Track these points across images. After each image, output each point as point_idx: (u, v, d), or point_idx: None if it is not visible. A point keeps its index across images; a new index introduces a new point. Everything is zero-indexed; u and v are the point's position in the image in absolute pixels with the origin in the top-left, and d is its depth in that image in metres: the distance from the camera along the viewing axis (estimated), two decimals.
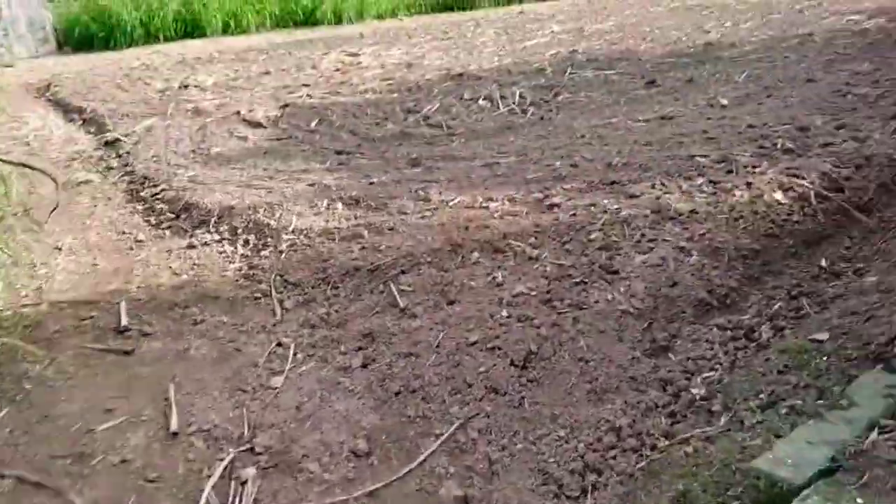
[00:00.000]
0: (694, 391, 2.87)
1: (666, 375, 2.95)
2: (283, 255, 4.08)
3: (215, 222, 4.64)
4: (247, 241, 4.37)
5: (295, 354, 3.22)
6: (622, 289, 3.30)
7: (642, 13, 12.29)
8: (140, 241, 4.62)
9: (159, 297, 3.85)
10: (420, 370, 2.95)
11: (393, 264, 3.71)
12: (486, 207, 4.26)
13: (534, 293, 3.30)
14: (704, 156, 4.91)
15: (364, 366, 3.08)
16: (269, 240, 4.30)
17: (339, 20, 13.72)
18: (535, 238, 3.76)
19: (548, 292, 3.31)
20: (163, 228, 4.77)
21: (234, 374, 3.13)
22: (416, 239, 3.91)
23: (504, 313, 3.17)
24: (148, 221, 4.93)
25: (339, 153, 5.82)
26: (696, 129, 5.67)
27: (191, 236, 4.58)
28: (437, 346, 3.05)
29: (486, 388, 2.81)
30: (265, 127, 6.69)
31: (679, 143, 5.35)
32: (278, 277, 3.89)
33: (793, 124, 5.53)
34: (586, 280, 3.37)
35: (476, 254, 3.71)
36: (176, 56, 10.28)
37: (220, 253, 4.31)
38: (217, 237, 4.51)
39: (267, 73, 8.92)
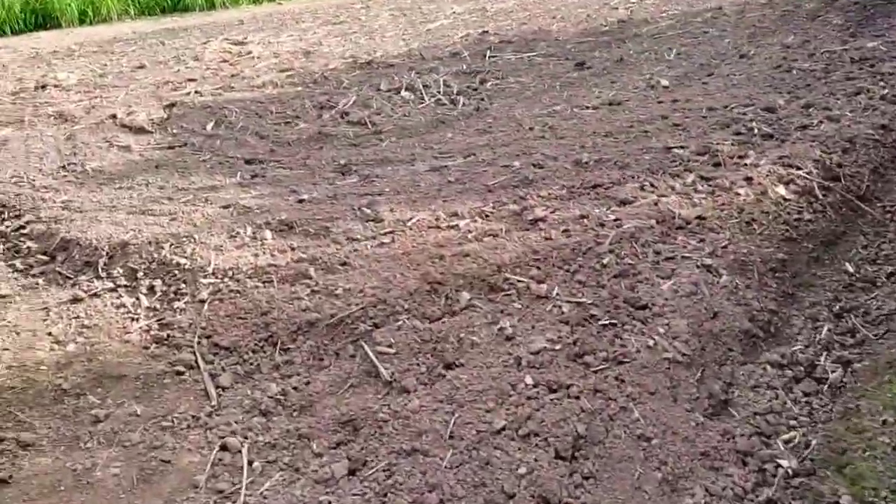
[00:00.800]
0: (784, 463, 2.27)
1: (741, 445, 2.32)
2: (206, 306, 3.14)
3: (105, 264, 3.61)
4: (152, 289, 3.39)
5: (250, 463, 2.33)
6: (661, 329, 2.63)
7: None
8: (3, 295, 3.52)
9: (38, 381, 2.83)
10: (435, 476, 2.14)
11: (360, 315, 2.86)
12: (456, 227, 3.48)
13: (558, 347, 2.56)
14: (681, 147, 4.34)
15: (352, 473, 2.24)
16: (182, 286, 3.34)
17: (211, 5, 12.42)
18: (537, 269, 3.02)
19: (574, 343, 2.58)
20: (33, 276, 3.67)
21: None
22: (382, 277, 3.07)
23: (528, 380, 2.42)
24: (12, 266, 3.80)
25: (249, 162, 4.84)
26: (653, 116, 5.11)
27: (74, 285, 3.53)
28: (451, 437, 2.25)
29: (532, 496, 2.06)
30: (150, 132, 5.56)
31: (643, 132, 4.77)
32: (204, 340, 2.96)
33: (755, 105, 5.08)
34: (615, 321, 2.68)
35: (466, 294, 2.92)
36: (27, 51, 8.73)
37: (118, 308, 3.31)
38: (110, 285, 3.48)
39: (141, 66, 7.66)
